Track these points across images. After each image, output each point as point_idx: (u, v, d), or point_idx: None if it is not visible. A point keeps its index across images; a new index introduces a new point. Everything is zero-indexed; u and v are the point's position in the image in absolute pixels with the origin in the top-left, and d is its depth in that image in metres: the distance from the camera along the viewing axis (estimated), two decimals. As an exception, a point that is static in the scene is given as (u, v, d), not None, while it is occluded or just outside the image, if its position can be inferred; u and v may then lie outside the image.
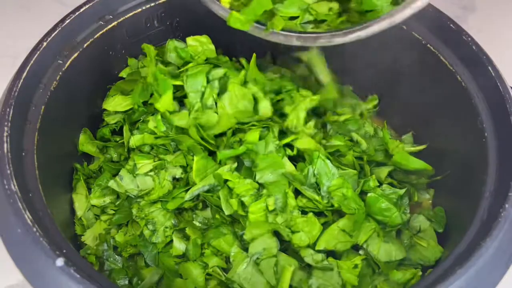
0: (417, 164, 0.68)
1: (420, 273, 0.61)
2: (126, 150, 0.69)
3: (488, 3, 1.00)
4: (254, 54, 0.72)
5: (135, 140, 0.66)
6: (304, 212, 0.62)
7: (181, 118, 0.63)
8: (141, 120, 0.68)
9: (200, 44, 0.69)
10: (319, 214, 0.63)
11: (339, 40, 0.54)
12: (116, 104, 0.69)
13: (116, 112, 0.71)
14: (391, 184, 0.67)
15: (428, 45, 0.64)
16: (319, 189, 0.63)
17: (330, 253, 0.62)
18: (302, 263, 0.61)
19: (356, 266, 0.60)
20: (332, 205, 0.62)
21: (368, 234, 0.62)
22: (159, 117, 0.64)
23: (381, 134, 0.74)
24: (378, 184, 0.66)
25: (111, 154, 0.70)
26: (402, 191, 0.65)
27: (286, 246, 0.62)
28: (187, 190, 0.63)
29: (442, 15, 0.63)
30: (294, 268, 0.59)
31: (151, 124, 0.65)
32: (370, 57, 0.73)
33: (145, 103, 0.69)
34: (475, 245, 0.48)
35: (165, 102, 0.63)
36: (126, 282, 0.63)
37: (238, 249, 0.61)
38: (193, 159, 0.63)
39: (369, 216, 0.63)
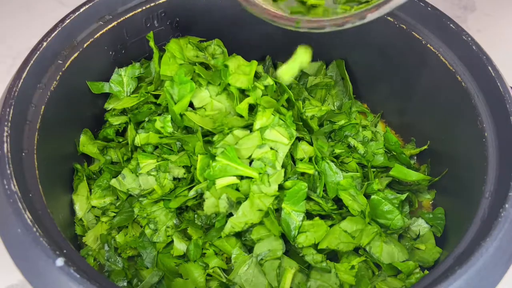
0: (415, 176, 0.68)
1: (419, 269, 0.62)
2: (129, 149, 0.68)
3: (488, 3, 1.00)
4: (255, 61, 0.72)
5: (140, 138, 0.66)
6: (310, 216, 0.63)
7: (191, 120, 0.64)
8: (147, 120, 0.68)
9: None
10: (325, 217, 0.63)
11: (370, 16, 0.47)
12: (123, 102, 0.69)
13: (121, 113, 0.71)
14: None
15: (428, 45, 0.64)
16: (324, 190, 0.64)
17: (332, 256, 0.62)
18: (302, 266, 0.61)
19: (353, 267, 0.60)
20: (338, 208, 0.63)
21: (371, 236, 0.62)
22: (168, 118, 0.64)
23: (381, 138, 0.74)
24: (381, 188, 0.66)
25: (111, 155, 0.70)
26: (403, 196, 0.65)
27: (287, 248, 0.62)
28: (190, 189, 0.63)
29: (442, 15, 0.63)
30: (295, 271, 0.59)
31: (157, 124, 0.65)
32: (370, 58, 0.74)
33: (153, 103, 0.69)
34: (475, 245, 0.48)
35: (183, 105, 0.63)
36: (125, 283, 0.63)
37: (240, 251, 0.61)
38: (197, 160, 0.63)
39: (372, 220, 0.64)
